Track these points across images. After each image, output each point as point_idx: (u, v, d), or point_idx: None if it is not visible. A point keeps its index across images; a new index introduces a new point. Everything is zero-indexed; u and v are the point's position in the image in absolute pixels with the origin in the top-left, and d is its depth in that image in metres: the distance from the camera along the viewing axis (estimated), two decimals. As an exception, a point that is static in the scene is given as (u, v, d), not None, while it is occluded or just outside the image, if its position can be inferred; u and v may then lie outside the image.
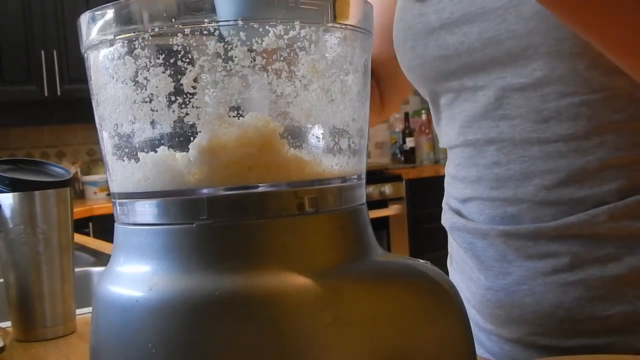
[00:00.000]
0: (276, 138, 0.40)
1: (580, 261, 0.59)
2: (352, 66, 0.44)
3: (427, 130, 4.00)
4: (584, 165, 0.58)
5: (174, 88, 0.39)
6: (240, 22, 0.39)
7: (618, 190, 0.57)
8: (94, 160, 3.34)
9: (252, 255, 0.39)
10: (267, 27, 0.39)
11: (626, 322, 0.58)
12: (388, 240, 3.43)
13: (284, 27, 0.39)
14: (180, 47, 0.39)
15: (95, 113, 0.44)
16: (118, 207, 0.44)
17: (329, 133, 0.43)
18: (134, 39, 0.40)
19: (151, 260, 0.40)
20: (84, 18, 0.42)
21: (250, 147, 0.40)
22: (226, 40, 0.39)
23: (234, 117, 0.40)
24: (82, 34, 0.43)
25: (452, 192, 0.71)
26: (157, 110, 0.40)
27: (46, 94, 2.88)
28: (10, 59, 2.85)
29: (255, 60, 0.39)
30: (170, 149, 0.41)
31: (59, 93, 2.91)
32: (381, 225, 3.36)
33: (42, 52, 2.88)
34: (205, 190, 0.40)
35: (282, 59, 0.40)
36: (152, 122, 0.40)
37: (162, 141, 0.41)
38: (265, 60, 0.39)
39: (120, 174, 0.43)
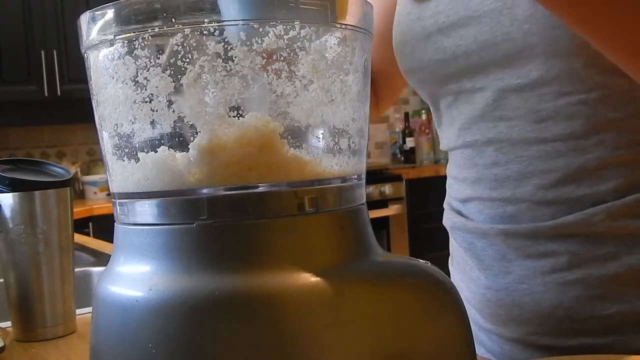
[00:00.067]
0: (276, 138, 0.40)
1: (578, 260, 0.59)
2: (352, 66, 0.44)
3: (427, 130, 4.00)
4: (582, 164, 0.58)
5: (174, 88, 0.39)
6: (240, 22, 0.39)
7: (616, 189, 0.57)
8: (94, 160, 3.34)
9: (252, 255, 0.39)
10: (267, 27, 0.39)
11: (625, 322, 0.58)
12: (388, 240, 3.43)
13: (284, 27, 0.39)
14: (180, 47, 0.39)
15: (95, 113, 0.44)
16: (118, 207, 0.44)
17: (329, 133, 0.43)
18: (134, 39, 0.40)
19: (151, 260, 0.40)
20: (84, 18, 0.42)
21: (250, 147, 0.40)
22: (226, 40, 0.39)
23: (234, 117, 0.40)
24: (82, 34, 0.43)
25: (453, 193, 0.71)
26: (157, 110, 0.40)
27: (46, 94, 2.88)
28: (10, 59, 2.85)
29: (255, 60, 0.39)
30: (170, 149, 0.41)
31: (59, 93, 2.91)
32: (381, 225, 3.35)
33: (42, 52, 2.87)
34: (205, 190, 0.40)
35: (282, 59, 0.40)
36: (152, 122, 0.40)
37: (162, 141, 0.41)
38: (265, 60, 0.40)
39: (120, 174, 0.43)
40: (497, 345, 0.67)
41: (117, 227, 0.44)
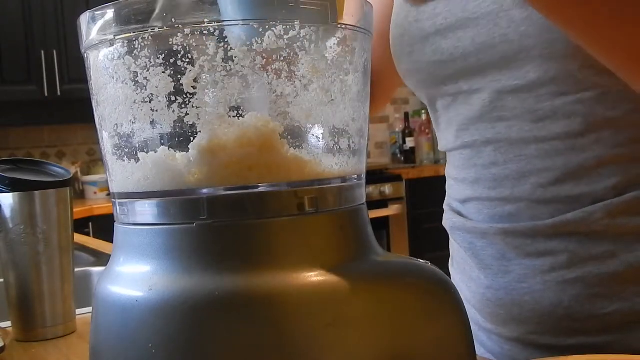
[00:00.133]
0: (276, 138, 0.40)
1: (577, 259, 0.59)
2: (352, 66, 0.44)
3: (427, 130, 4.00)
4: (581, 163, 0.58)
5: (174, 88, 0.39)
6: (240, 22, 0.39)
7: (614, 187, 0.58)
8: (94, 160, 3.34)
9: (252, 255, 0.39)
10: (267, 27, 0.39)
11: (624, 320, 0.58)
12: (388, 240, 3.43)
13: (284, 27, 0.39)
14: (180, 47, 0.39)
15: (95, 113, 0.44)
16: (118, 207, 0.44)
17: (329, 133, 0.43)
18: (134, 39, 0.40)
19: (151, 260, 0.40)
20: (84, 18, 0.42)
21: (250, 147, 0.40)
22: (226, 39, 0.39)
23: (234, 117, 0.40)
24: (82, 34, 0.43)
25: (453, 194, 0.71)
26: (157, 110, 0.40)
27: (46, 94, 2.88)
28: (10, 59, 2.85)
29: (255, 60, 0.39)
30: (170, 149, 0.41)
31: (59, 93, 2.90)
32: (381, 225, 3.35)
33: (42, 52, 2.87)
34: (205, 190, 0.40)
35: (282, 59, 0.40)
36: (152, 122, 0.40)
37: (162, 141, 0.41)
38: (265, 60, 0.40)
39: (120, 174, 0.43)
40: (497, 345, 0.67)
41: (117, 227, 0.44)
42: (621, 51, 0.47)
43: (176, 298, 0.38)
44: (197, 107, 0.40)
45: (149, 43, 0.39)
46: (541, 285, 0.61)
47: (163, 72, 0.39)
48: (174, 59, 0.39)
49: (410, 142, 3.97)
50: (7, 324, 0.77)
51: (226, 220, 0.39)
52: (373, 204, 3.20)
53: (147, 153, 0.41)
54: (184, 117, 0.40)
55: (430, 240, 3.08)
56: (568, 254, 0.59)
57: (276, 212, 0.40)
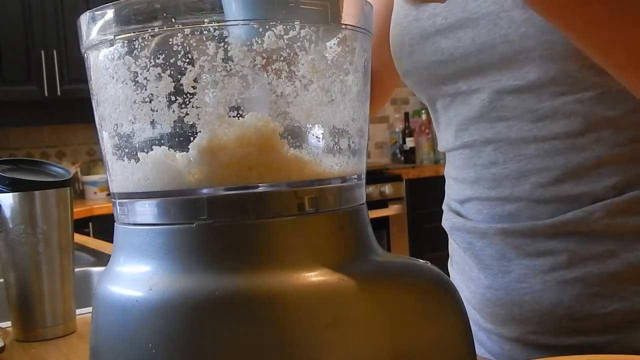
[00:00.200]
0: (276, 138, 0.40)
1: (577, 258, 0.59)
2: (352, 66, 0.44)
3: (427, 130, 4.00)
4: (580, 162, 0.58)
5: (174, 88, 0.39)
6: (240, 22, 0.39)
7: (614, 187, 0.58)
8: (94, 160, 3.34)
9: (252, 255, 0.39)
10: (267, 27, 0.39)
11: (625, 320, 0.58)
12: (388, 240, 3.43)
13: (284, 27, 0.39)
14: (180, 47, 0.39)
15: (95, 113, 0.44)
16: (118, 207, 0.44)
17: (328, 133, 0.43)
18: (134, 39, 0.40)
19: (151, 260, 0.40)
20: (84, 18, 0.42)
21: (250, 147, 0.40)
22: (226, 39, 0.39)
23: (234, 117, 0.40)
24: (82, 34, 0.43)
25: (452, 194, 0.71)
26: (157, 110, 0.40)
27: (46, 94, 2.88)
28: (10, 59, 2.85)
29: (255, 60, 0.39)
30: (170, 149, 0.41)
31: (59, 93, 2.90)
32: (381, 225, 3.35)
33: (42, 52, 2.87)
34: (205, 190, 0.40)
35: (282, 59, 0.40)
36: (152, 122, 0.40)
37: (162, 141, 0.41)
38: (265, 60, 0.40)
39: (120, 174, 0.43)
40: (497, 345, 0.67)
41: (117, 227, 0.44)
42: (621, 51, 0.47)
43: (176, 298, 0.38)
44: (197, 107, 0.40)
45: (148, 43, 0.39)
46: (541, 285, 0.61)
47: (163, 72, 0.39)
48: (174, 59, 0.39)
49: (410, 142, 3.97)
50: (7, 324, 0.77)
51: (226, 220, 0.39)
52: (373, 204, 3.20)
53: (147, 153, 0.41)
54: (184, 117, 0.40)
55: (430, 240, 3.08)
56: (568, 253, 0.59)
57: (276, 212, 0.40)
